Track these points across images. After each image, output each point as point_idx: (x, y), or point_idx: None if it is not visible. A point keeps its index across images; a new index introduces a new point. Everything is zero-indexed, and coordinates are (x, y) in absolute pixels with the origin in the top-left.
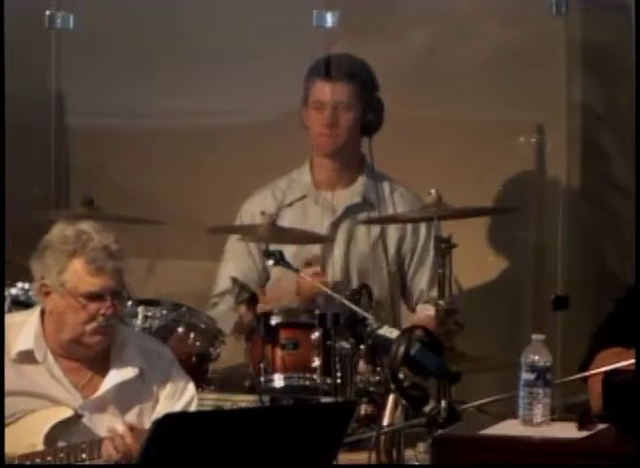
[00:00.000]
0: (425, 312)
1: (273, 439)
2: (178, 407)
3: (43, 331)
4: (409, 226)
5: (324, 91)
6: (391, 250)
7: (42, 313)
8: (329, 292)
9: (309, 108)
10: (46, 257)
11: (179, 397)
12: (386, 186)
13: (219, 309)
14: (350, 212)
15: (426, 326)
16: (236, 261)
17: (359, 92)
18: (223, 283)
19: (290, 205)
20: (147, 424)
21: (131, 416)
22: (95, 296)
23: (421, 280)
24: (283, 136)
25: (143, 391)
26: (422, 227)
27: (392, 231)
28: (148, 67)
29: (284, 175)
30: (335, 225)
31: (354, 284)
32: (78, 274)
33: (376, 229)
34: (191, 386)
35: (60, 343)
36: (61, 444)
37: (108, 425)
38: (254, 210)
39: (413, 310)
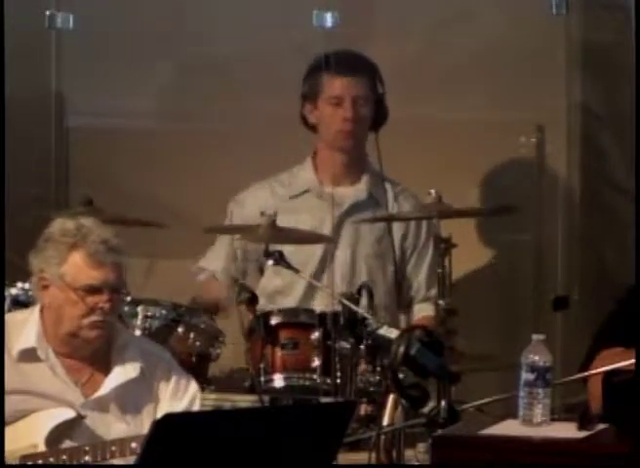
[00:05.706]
0: (423, 313)
1: (273, 439)
2: (181, 405)
3: (44, 329)
4: (412, 224)
5: (339, 85)
6: (396, 246)
7: (41, 310)
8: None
9: (323, 105)
10: (46, 250)
11: (181, 396)
12: (389, 185)
13: None
14: (356, 208)
15: (426, 326)
16: (216, 257)
17: (370, 86)
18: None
19: (292, 198)
20: (148, 425)
21: (132, 417)
22: (93, 290)
23: (419, 276)
24: (283, 135)
25: (145, 392)
26: (424, 226)
27: (396, 228)
28: (149, 67)
29: (285, 170)
30: (341, 220)
31: (361, 281)
32: (78, 266)
33: (380, 225)
34: (193, 384)
35: (58, 338)
36: (63, 444)
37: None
38: (250, 201)
39: (408, 305)
